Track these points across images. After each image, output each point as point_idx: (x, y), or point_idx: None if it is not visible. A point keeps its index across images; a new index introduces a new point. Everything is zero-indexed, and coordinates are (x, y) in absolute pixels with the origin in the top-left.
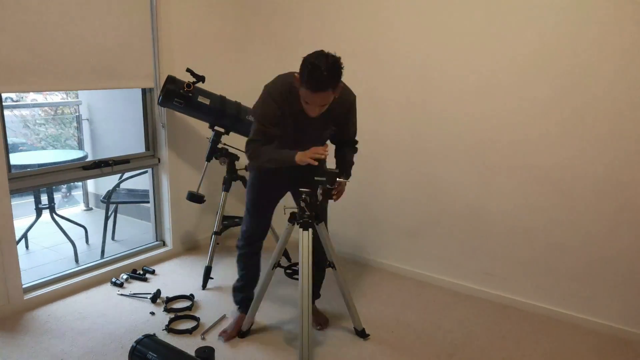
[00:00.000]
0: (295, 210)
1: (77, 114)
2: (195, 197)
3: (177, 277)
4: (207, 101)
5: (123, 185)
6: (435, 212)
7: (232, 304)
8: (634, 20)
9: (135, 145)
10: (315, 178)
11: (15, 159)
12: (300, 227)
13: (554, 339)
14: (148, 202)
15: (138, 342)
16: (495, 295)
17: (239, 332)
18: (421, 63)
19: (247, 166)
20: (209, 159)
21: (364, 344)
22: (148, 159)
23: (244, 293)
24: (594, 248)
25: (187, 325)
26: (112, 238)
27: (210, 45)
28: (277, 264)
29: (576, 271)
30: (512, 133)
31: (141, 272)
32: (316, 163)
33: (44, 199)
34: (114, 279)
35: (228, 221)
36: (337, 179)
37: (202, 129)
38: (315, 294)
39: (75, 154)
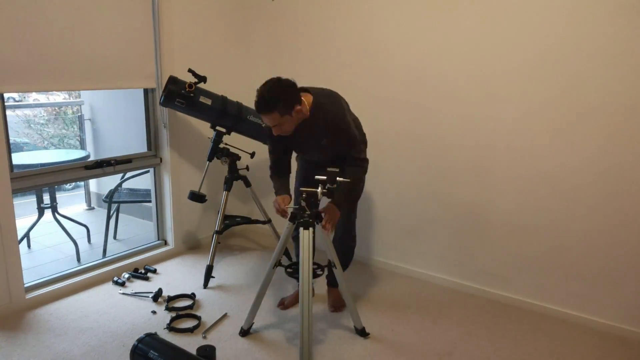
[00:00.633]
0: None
1: (80, 114)
2: (196, 197)
3: (178, 276)
4: (208, 101)
5: (125, 185)
6: (435, 211)
7: (233, 303)
8: (634, 25)
9: (137, 145)
10: (316, 177)
11: (18, 158)
12: (300, 226)
13: (553, 338)
14: (150, 201)
15: (140, 340)
16: (495, 294)
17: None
18: (422, 64)
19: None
20: (210, 159)
21: (364, 342)
22: (150, 158)
23: None
24: (593, 247)
25: (189, 324)
26: (114, 237)
27: (212, 45)
28: (278, 263)
29: (576, 271)
30: (512, 134)
31: (143, 271)
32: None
33: (46, 198)
34: (115, 278)
35: (229, 220)
36: (338, 178)
37: (204, 129)
38: (334, 281)
39: (77, 154)
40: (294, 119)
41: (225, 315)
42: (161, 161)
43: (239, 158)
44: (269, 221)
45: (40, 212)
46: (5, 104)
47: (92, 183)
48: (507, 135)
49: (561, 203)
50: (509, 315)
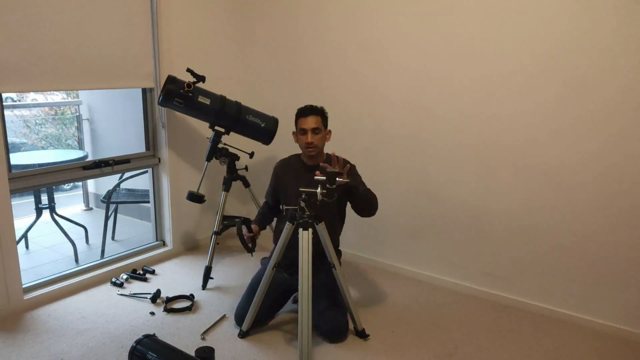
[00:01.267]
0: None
1: (78, 113)
2: (195, 197)
3: (177, 277)
4: (207, 101)
5: (123, 185)
6: (436, 212)
7: (232, 304)
8: (637, 23)
9: (135, 145)
10: (315, 178)
11: (16, 158)
12: (300, 227)
13: (554, 339)
14: (148, 202)
15: (138, 342)
16: (495, 295)
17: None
18: (423, 64)
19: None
20: (209, 159)
21: (364, 344)
22: (148, 158)
23: None
24: (594, 248)
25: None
26: (112, 238)
27: (211, 45)
28: (278, 264)
29: (576, 271)
30: (512, 134)
31: (141, 272)
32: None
33: (44, 199)
34: (114, 279)
35: (228, 221)
36: (337, 179)
37: (203, 128)
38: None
39: (75, 154)
40: (324, 139)
41: (224, 317)
42: (159, 161)
43: (237, 158)
44: None
45: (38, 213)
46: (4, 104)
47: (90, 183)
48: (508, 135)
49: (562, 204)
50: (510, 316)
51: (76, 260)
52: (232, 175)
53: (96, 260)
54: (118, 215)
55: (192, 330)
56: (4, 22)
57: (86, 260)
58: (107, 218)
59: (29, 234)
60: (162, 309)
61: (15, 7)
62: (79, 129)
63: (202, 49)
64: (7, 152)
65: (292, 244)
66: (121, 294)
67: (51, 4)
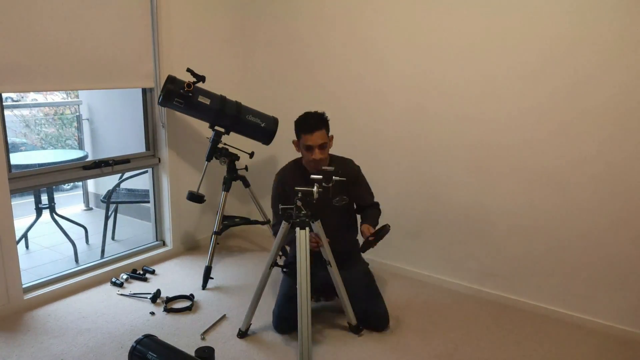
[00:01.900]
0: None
1: (78, 113)
2: (195, 197)
3: (177, 277)
4: (207, 101)
5: (123, 185)
6: (436, 212)
7: (232, 304)
8: (636, 23)
9: (135, 145)
10: (312, 177)
11: (16, 158)
12: (296, 226)
13: (554, 339)
14: (148, 202)
15: (138, 342)
16: (495, 295)
17: (239, 332)
18: (423, 64)
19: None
20: (209, 159)
21: (364, 343)
22: (148, 158)
23: None
24: (593, 248)
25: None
26: (112, 238)
27: (211, 45)
28: (274, 264)
29: (576, 271)
30: (512, 134)
31: (141, 272)
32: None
33: (44, 198)
34: (114, 279)
35: (228, 221)
36: (334, 177)
37: (203, 128)
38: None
39: (75, 154)
40: (329, 148)
41: (224, 317)
42: (159, 161)
43: (237, 158)
44: (268, 222)
45: (38, 213)
46: (4, 104)
47: (90, 183)
48: (507, 135)
49: (562, 203)
50: (510, 316)
51: (76, 260)
52: (232, 175)
53: (96, 260)
54: (118, 215)
55: (192, 330)
56: (4, 22)
57: (86, 260)
58: (107, 218)
59: (29, 234)
60: (162, 309)
61: (16, 7)
62: (79, 128)
63: (202, 49)
64: (7, 152)
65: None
66: (121, 294)
67: (51, 4)
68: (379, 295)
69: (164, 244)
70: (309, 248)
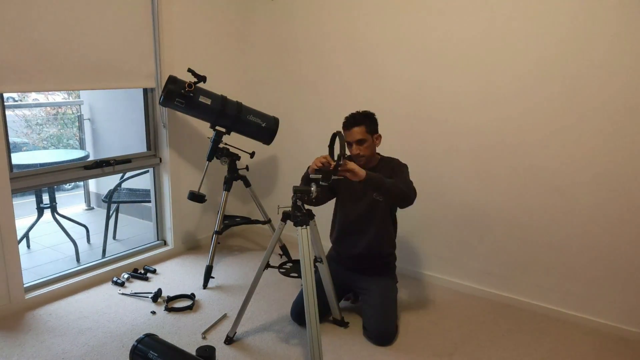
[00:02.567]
0: (288, 209)
1: (79, 113)
2: (196, 197)
3: (178, 276)
4: (208, 101)
5: (124, 185)
6: (435, 212)
7: (233, 303)
8: (635, 25)
9: (136, 144)
10: (310, 176)
11: (17, 158)
12: (297, 225)
13: (554, 339)
14: (149, 201)
15: (139, 341)
16: (495, 294)
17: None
18: (422, 65)
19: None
20: (210, 159)
21: (365, 342)
22: (149, 158)
23: None
24: (593, 248)
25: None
26: (114, 237)
27: (212, 45)
28: (267, 265)
29: (575, 271)
30: (512, 134)
31: (142, 272)
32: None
33: (46, 198)
34: (115, 278)
35: (229, 220)
36: (332, 177)
37: (203, 128)
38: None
39: (76, 154)
40: (372, 145)
41: (224, 316)
42: (160, 161)
43: (238, 158)
44: (268, 221)
45: (40, 212)
46: (5, 104)
47: (92, 183)
48: (506, 135)
49: (561, 203)
50: (510, 315)
51: (77, 259)
52: (233, 175)
53: (97, 259)
54: (119, 214)
55: (193, 330)
56: (5, 22)
57: (87, 259)
58: (108, 217)
59: (31, 234)
60: (163, 308)
61: (17, 7)
62: (80, 128)
63: (203, 49)
64: (9, 152)
65: (348, 240)
66: (122, 293)
67: (53, 4)
68: (392, 313)
69: (165, 243)
70: (317, 166)
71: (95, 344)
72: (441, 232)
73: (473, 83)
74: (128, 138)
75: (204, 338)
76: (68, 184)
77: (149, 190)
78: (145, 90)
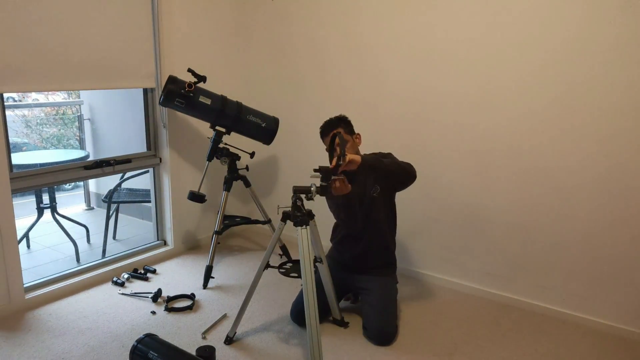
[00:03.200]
0: (288, 209)
1: (79, 113)
2: (196, 197)
3: (178, 276)
4: (208, 101)
5: (124, 185)
6: (435, 211)
7: (233, 303)
8: (637, 26)
9: (136, 145)
10: (310, 176)
11: (17, 158)
12: (297, 225)
13: (554, 339)
14: (149, 201)
15: (139, 341)
16: (495, 294)
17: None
18: (422, 67)
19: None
20: (210, 159)
21: (365, 342)
22: (149, 158)
23: None
24: (594, 248)
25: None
26: (114, 237)
27: (212, 45)
28: (268, 265)
29: (576, 271)
30: (512, 134)
31: (142, 272)
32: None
33: (46, 198)
34: (115, 278)
35: (229, 220)
36: (332, 177)
37: (203, 128)
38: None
39: (76, 154)
40: (354, 145)
41: (224, 316)
42: (160, 161)
43: (238, 158)
44: (268, 221)
45: (40, 212)
46: (5, 104)
47: (92, 183)
48: (506, 135)
49: (561, 203)
50: (510, 315)
51: (77, 259)
52: (233, 175)
53: (97, 259)
54: (119, 214)
55: (193, 330)
56: (6, 22)
57: (87, 259)
58: (108, 217)
59: (31, 234)
60: (163, 308)
61: (17, 7)
62: (80, 128)
63: (203, 49)
64: (9, 152)
65: (349, 241)
66: (122, 293)
67: (53, 4)
68: (392, 313)
69: (165, 243)
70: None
71: (95, 344)
72: (441, 232)
73: (474, 84)
74: (128, 138)
75: (204, 338)
76: (68, 184)
77: (149, 190)
78: (145, 90)
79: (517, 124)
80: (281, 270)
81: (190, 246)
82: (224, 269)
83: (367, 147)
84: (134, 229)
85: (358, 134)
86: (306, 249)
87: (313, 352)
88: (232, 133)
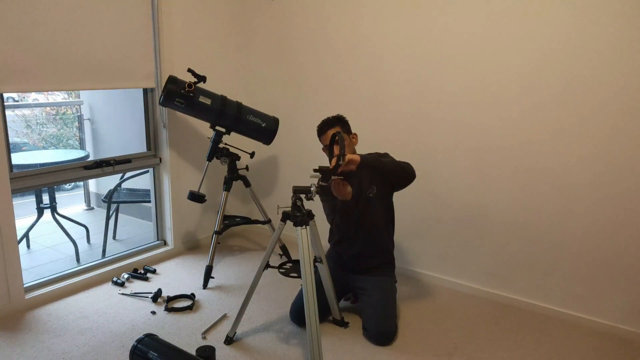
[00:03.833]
0: (288, 209)
1: (79, 113)
2: (196, 197)
3: (178, 276)
4: (208, 101)
5: (124, 185)
6: (435, 211)
7: (233, 303)
8: (635, 25)
9: (136, 145)
10: (310, 176)
11: (17, 158)
12: (296, 225)
13: (554, 339)
14: (149, 201)
15: (139, 341)
16: (495, 294)
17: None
18: (422, 66)
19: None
20: (210, 159)
21: (365, 342)
22: (149, 158)
23: None
24: (594, 248)
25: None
26: (114, 237)
27: (212, 45)
28: (267, 266)
29: (576, 271)
30: (512, 136)
31: (142, 272)
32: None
33: (46, 198)
34: (115, 279)
35: (229, 220)
36: (332, 177)
37: (203, 128)
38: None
39: (76, 154)
40: (350, 144)
41: (224, 316)
42: (160, 161)
43: (238, 158)
44: (268, 221)
45: (40, 212)
46: (5, 104)
47: (92, 183)
48: (507, 135)
49: (561, 203)
50: (510, 315)
51: (77, 259)
52: (233, 175)
53: (97, 259)
54: (119, 214)
55: (193, 330)
56: (5, 22)
57: (87, 259)
58: (108, 217)
59: (30, 234)
60: (163, 308)
61: (17, 7)
62: (80, 128)
63: (203, 49)
64: (9, 152)
65: (348, 242)
66: (122, 293)
67: (53, 5)
68: (392, 313)
69: (165, 243)
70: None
71: (95, 344)
72: (441, 232)
73: (474, 83)
74: (128, 138)
75: (204, 338)
76: (68, 184)
77: (148, 190)
78: (145, 90)
79: (516, 123)
80: (281, 270)
81: (190, 246)
82: (224, 269)
83: (367, 145)
84: (134, 229)
85: (355, 134)
86: (306, 249)
87: (313, 352)
88: (232, 133)
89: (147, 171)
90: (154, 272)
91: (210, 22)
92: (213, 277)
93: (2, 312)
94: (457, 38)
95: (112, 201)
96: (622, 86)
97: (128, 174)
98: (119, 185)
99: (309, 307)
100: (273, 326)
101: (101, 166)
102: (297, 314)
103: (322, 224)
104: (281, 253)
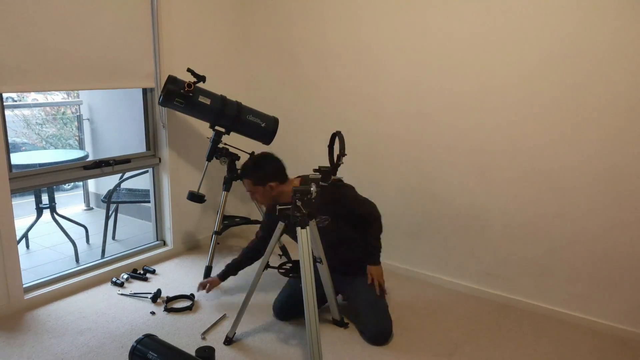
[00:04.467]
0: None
1: (78, 113)
2: (195, 197)
3: (177, 276)
4: (207, 101)
5: (124, 185)
6: (435, 212)
7: (232, 304)
8: (635, 26)
9: (136, 145)
10: (310, 176)
11: (16, 158)
12: (297, 225)
13: (554, 339)
14: (148, 201)
15: (138, 341)
16: (495, 295)
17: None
18: (423, 67)
19: None
20: (209, 159)
21: (364, 343)
22: (149, 158)
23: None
24: (593, 248)
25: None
26: (113, 238)
27: (211, 45)
28: (268, 265)
29: (576, 271)
30: (512, 135)
31: (141, 272)
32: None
33: (45, 198)
34: (114, 279)
35: (228, 221)
36: (333, 178)
37: (203, 128)
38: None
39: (76, 154)
40: (267, 193)
41: (224, 316)
42: (160, 161)
43: (238, 158)
44: None
45: (39, 213)
46: (4, 104)
47: (91, 183)
48: (507, 136)
49: (561, 204)
50: (510, 316)
51: (77, 260)
52: (233, 175)
53: (97, 260)
54: (118, 215)
55: (193, 330)
56: (5, 22)
57: (87, 260)
58: (107, 218)
59: (30, 234)
60: (163, 309)
61: (16, 7)
62: (80, 128)
63: (202, 49)
64: (8, 152)
65: (330, 253)
66: (122, 294)
67: (52, 4)
68: (386, 312)
69: (164, 243)
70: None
71: (94, 345)
72: (441, 232)
73: (474, 84)
74: (127, 138)
75: (203, 339)
76: (67, 184)
77: (148, 191)
78: (144, 90)
79: (516, 125)
80: (281, 270)
81: (189, 246)
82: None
83: (368, 145)
84: (134, 229)
85: (275, 184)
86: (306, 249)
87: (313, 352)
88: (232, 133)
89: (147, 171)
90: (153, 272)
91: (210, 22)
92: None
93: (1, 313)
94: (457, 39)
95: (111, 201)
96: (622, 89)
97: (127, 174)
98: (119, 185)
99: (309, 307)
100: (273, 326)
101: (100, 166)
102: (281, 310)
103: None
104: (281, 253)
